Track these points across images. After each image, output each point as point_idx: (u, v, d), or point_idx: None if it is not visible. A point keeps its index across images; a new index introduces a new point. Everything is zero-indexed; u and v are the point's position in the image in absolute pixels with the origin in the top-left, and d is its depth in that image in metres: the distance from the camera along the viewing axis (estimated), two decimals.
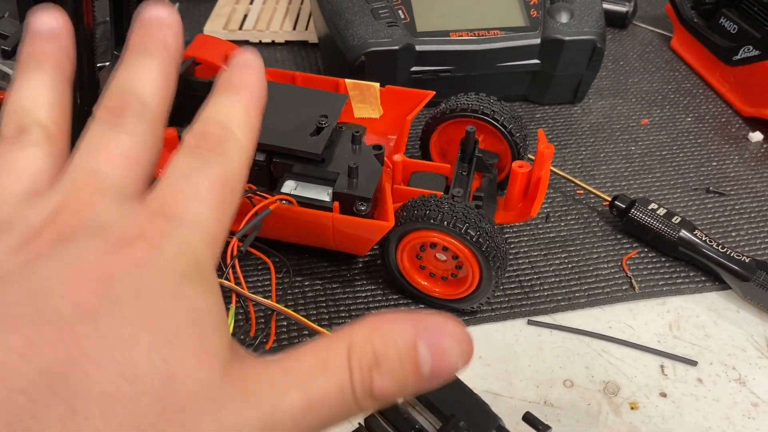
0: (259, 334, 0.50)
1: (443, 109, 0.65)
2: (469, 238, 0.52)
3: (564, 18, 0.76)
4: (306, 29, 0.91)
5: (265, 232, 0.55)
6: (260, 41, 0.91)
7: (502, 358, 0.56)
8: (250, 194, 0.54)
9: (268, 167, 0.58)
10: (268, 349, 0.49)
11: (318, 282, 0.61)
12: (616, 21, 0.95)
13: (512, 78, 0.79)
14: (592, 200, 0.70)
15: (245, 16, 0.93)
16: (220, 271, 0.48)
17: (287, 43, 0.91)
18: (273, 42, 0.91)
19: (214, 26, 0.91)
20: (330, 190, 0.56)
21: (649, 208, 0.63)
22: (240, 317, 0.48)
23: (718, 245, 0.61)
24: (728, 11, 0.85)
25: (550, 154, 0.56)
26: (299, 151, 0.56)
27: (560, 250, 0.64)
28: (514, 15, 0.77)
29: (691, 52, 0.90)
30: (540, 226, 0.67)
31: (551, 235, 0.66)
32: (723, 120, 0.81)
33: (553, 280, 0.62)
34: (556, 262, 0.63)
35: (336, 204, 0.54)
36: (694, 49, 0.89)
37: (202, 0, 0.99)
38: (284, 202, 0.53)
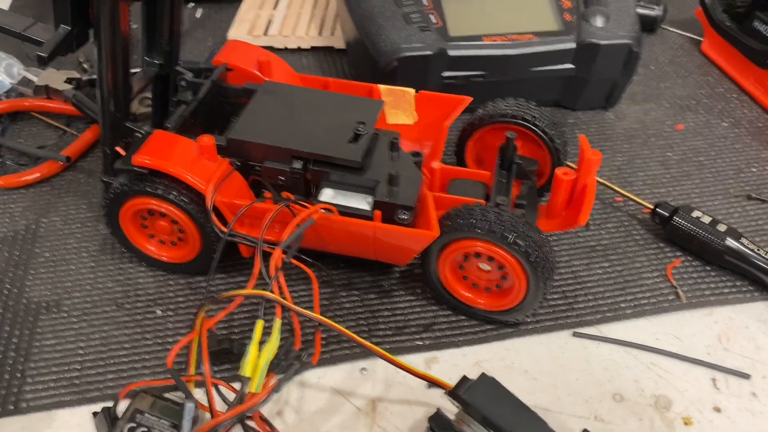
0: (303, 347, 0.49)
1: (481, 115, 0.63)
2: (517, 248, 0.50)
3: (599, 22, 0.74)
4: (332, 35, 0.89)
5: (302, 242, 0.53)
6: (285, 47, 0.89)
7: (548, 371, 0.54)
8: (290, 203, 0.52)
9: (305, 175, 0.56)
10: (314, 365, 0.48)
11: (355, 292, 0.59)
12: (645, 25, 0.93)
13: (545, 83, 0.77)
14: (631, 207, 0.68)
15: (269, 22, 0.92)
16: (265, 283, 0.47)
17: (312, 48, 0.90)
18: (298, 48, 0.90)
19: (238, 32, 0.89)
20: (369, 199, 0.55)
21: (693, 216, 0.62)
22: (284, 328, 0.46)
23: (766, 253, 0.59)
24: (762, 14, 0.83)
25: (598, 161, 0.55)
26: (338, 158, 0.55)
27: (602, 258, 0.63)
28: (548, 19, 0.75)
29: (723, 55, 0.89)
30: (580, 234, 0.65)
31: (592, 243, 0.64)
32: (760, 125, 0.79)
33: (597, 290, 0.60)
34: (599, 271, 0.61)
35: (378, 213, 0.53)
36: (727, 53, 0.88)
37: (224, 5, 0.98)
38: (325, 211, 0.52)
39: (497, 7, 0.76)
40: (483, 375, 0.45)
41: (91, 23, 0.53)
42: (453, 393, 0.44)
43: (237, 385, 0.50)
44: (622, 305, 0.59)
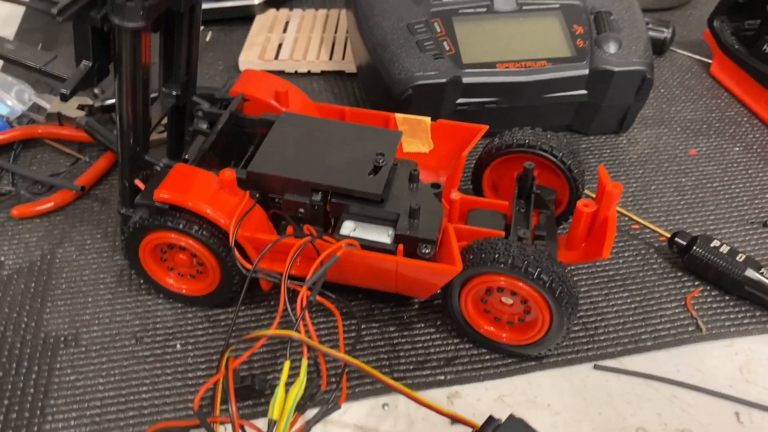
0: (329, 388, 0.48)
1: (498, 145, 0.63)
2: (542, 283, 0.50)
3: (612, 48, 0.75)
4: (342, 59, 0.89)
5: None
6: (296, 71, 0.89)
7: (571, 405, 0.54)
8: (315, 239, 0.52)
9: (325, 207, 0.56)
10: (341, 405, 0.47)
11: (374, 325, 0.59)
12: (653, 47, 0.93)
13: (558, 108, 0.77)
14: (648, 235, 0.68)
15: (280, 45, 0.92)
16: (290, 322, 0.46)
17: (323, 72, 0.90)
18: (309, 72, 0.90)
19: (249, 56, 0.89)
20: (390, 231, 0.55)
21: (712, 245, 0.62)
22: (310, 368, 0.46)
23: None
24: None
25: (618, 194, 0.55)
26: (359, 191, 0.54)
27: (621, 289, 0.63)
28: (561, 45, 0.76)
29: (733, 78, 0.89)
30: (597, 263, 0.65)
31: (610, 272, 0.64)
32: None
33: (617, 321, 0.60)
34: (618, 302, 0.61)
35: (400, 247, 0.53)
36: (736, 76, 0.88)
37: (234, 27, 0.98)
38: (349, 246, 0.52)
39: (510, 33, 0.76)
40: (511, 416, 0.44)
41: (112, 58, 0.52)
42: None
43: (259, 423, 0.50)
44: (643, 337, 0.58)
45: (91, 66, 0.51)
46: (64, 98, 0.49)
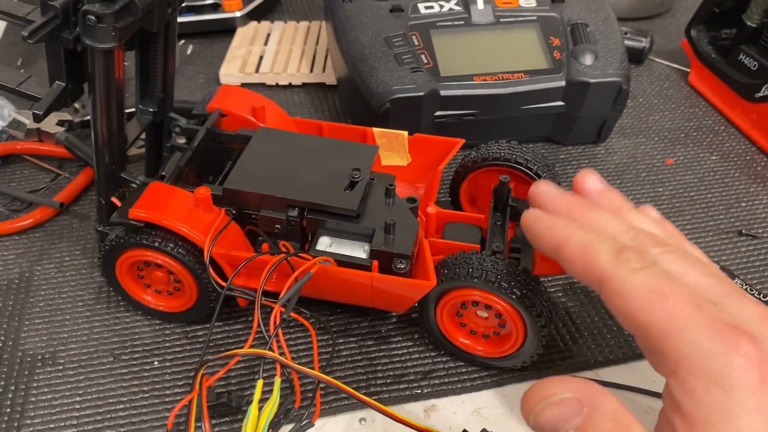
0: (303, 404, 0.49)
1: (475, 158, 0.64)
2: (514, 297, 0.50)
3: (588, 60, 0.75)
4: (323, 71, 0.90)
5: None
6: (277, 84, 0.90)
7: None
8: (290, 256, 0.52)
9: (301, 223, 0.56)
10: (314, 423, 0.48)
11: (352, 339, 0.59)
12: (632, 57, 0.94)
13: (536, 120, 0.78)
14: None
15: (261, 58, 0.92)
16: (263, 340, 0.47)
17: (304, 84, 0.90)
18: (290, 84, 0.90)
19: (230, 69, 0.90)
20: (366, 246, 0.55)
21: None
22: (284, 385, 0.46)
23: (759, 294, 0.60)
24: (747, 48, 0.84)
25: None
26: (334, 207, 0.55)
27: (598, 300, 0.63)
28: (538, 58, 0.76)
29: (710, 87, 0.90)
30: None
31: None
32: (748, 158, 0.80)
33: (593, 333, 0.60)
34: (593, 313, 0.62)
35: (375, 263, 0.53)
36: (714, 85, 0.89)
37: (215, 41, 0.98)
38: (323, 262, 0.52)
39: (487, 46, 0.77)
40: (483, 430, 0.45)
41: (86, 77, 0.53)
42: None
43: None
44: (619, 348, 0.59)
45: (65, 86, 0.51)
46: (38, 119, 0.49)
